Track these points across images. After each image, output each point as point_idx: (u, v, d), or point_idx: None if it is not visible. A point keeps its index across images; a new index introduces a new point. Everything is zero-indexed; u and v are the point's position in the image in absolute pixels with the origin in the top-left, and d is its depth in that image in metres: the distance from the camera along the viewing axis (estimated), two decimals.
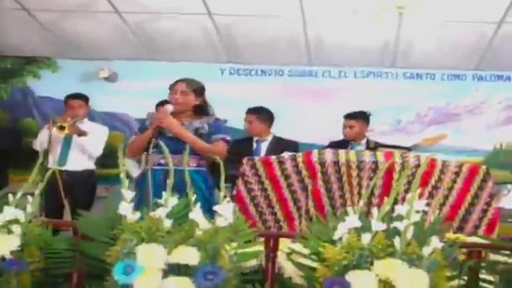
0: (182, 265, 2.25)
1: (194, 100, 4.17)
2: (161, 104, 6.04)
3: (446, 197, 3.77)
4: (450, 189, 3.79)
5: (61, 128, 5.59)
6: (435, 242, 2.23)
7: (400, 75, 7.21)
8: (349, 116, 5.76)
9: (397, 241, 2.23)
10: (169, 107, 4.08)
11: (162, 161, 3.94)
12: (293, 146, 5.60)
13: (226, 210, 2.40)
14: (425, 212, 2.32)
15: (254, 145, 5.77)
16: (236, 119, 6.15)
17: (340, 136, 5.83)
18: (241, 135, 5.96)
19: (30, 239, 2.43)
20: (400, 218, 2.28)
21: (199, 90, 4.21)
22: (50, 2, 5.84)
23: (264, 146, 5.74)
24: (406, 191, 3.25)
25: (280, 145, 5.58)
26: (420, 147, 5.09)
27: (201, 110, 4.19)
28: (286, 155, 3.99)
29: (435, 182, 3.78)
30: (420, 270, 2.16)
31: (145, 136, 4.01)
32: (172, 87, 4.19)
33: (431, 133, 6.70)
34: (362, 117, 5.78)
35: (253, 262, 2.45)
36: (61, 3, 5.85)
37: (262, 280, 2.44)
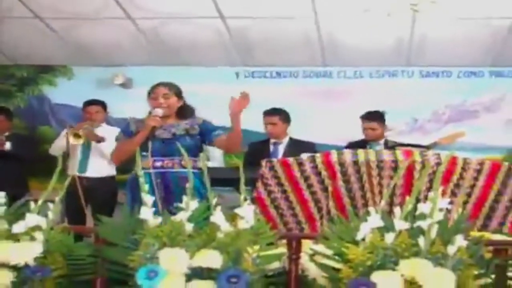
0: (205, 269, 2.24)
1: (177, 102, 4.14)
2: None
3: (468, 195, 3.73)
4: (473, 186, 3.75)
5: (77, 136, 5.60)
6: (460, 241, 2.20)
7: (416, 73, 7.17)
8: (369, 118, 5.72)
9: (421, 240, 2.21)
10: (159, 111, 4.02)
11: (158, 164, 3.92)
12: (310, 147, 5.57)
13: (247, 213, 2.39)
14: (448, 211, 2.30)
15: (271, 147, 5.75)
16: (252, 122, 6.15)
17: (356, 137, 5.81)
18: (256, 138, 5.95)
19: (52, 246, 2.43)
20: (423, 217, 2.26)
21: (179, 92, 4.18)
22: (63, 10, 5.86)
23: (281, 148, 5.72)
24: (428, 189, 3.23)
25: (297, 146, 5.55)
26: (439, 146, 5.04)
27: (183, 112, 4.16)
28: (304, 156, 3.97)
29: (457, 180, 3.74)
30: (446, 269, 2.13)
31: (138, 139, 3.96)
32: (152, 92, 4.14)
33: (448, 131, 6.64)
34: (381, 117, 5.76)
35: (276, 265, 2.44)
36: (74, 10, 5.87)
37: (286, 282, 2.42)
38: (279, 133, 5.75)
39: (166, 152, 3.95)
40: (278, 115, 5.76)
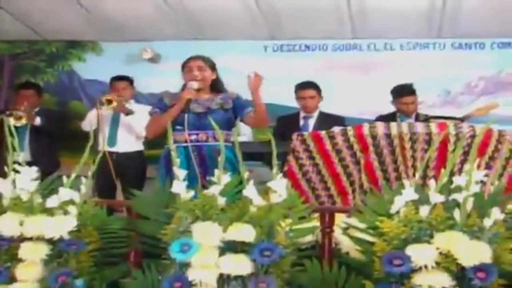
0: (238, 243, 2.24)
1: (211, 76, 4.17)
2: None
3: (504, 168, 3.67)
4: (508, 158, 3.69)
5: (109, 101, 5.61)
6: (497, 213, 2.18)
7: (448, 45, 7.04)
8: (409, 92, 5.60)
9: (457, 213, 2.19)
10: (194, 84, 4.05)
11: (193, 137, 3.94)
12: (340, 121, 5.52)
13: (279, 186, 2.38)
14: (483, 183, 2.26)
15: (302, 121, 5.71)
16: (280, 96, 6.12)
17: (386, 110, 5.74)
18: (284, 111, 5.92)
19: (86, 220, 2.45)
20: (459, 189, 2.23)
21: (213, 66, 4.22)
22: None
23: (311, 122, 5.68)
24: (462, 162, 3.20)
25: (327, 120, 5.51)
26: (472, 118, 4.96)
27: (216, 85, 4.17)
28: (336, 129, 3.93)
29: (492, 152, 3.68)
30: (482, 242, 2.11)
31: (173, 112, 3.98)
32: (185, 66, 4.17)
33: (482, 103, 6.53)
34: (415, 91, 5.65)
35: (309, 238, 2.43)
36: None
37: (319, 255, 2.42)
38: (315, 106, 5.71)
39: (200, 126, 3.98)
40: (315, 88, 5.71)
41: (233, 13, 6.46)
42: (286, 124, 5.60)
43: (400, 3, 6.07)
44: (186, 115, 3.97)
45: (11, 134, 2.64)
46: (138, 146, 6.03)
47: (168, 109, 4.06)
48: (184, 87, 4.16)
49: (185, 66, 4.18)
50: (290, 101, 5.89)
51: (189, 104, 3.99)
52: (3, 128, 2.71)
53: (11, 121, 4.75)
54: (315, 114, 5.73)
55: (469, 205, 2.20)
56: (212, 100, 4.08)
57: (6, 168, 2.62)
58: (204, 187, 2.46)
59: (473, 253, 2.07)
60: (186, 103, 3.99)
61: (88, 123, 5.85)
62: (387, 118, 5.23)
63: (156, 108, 4.21)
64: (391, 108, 5.78)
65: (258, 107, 4.02)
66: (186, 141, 3.94)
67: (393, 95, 5.69)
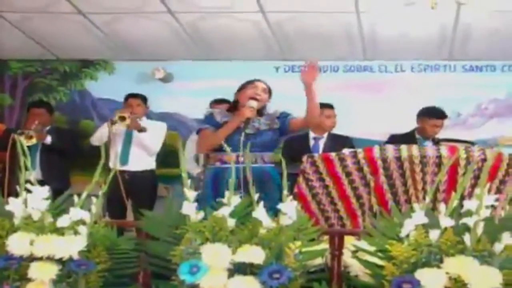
0: (247, 264, 2.24)
1: (267, 101, 4.22)
2: (216, 102, 6.08)
3: None
4: None
5: (122, 118, 5.64)
6: (507, 238, 2.17)
7: (459, 67, 7.05)
8: (442, 116, 5.67)
9: (467, 237, 2.18)
10: (254, 103, 4.06)
11: (241, 159, 3.90)
12: (348, 142, 5.58)
13: (289, 208, 2.38)
14: (494, 208, 2.25)
15: (312, 142, 5.73)
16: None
17: (396, 132, 5.75)
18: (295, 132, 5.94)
19: (96, 240, 2.45)
20: (469, 213, 2.22)
21: (271, 92, 4.27)
22: (105, 5, 5.90)
23: (321, 143, 5.70)
24: (472, 186, 3.19)
25: (336, 141, 5.55)
26: (500, 146, 4.96)
27: (262, 110, 4.20)
28: (346, 151, 3.93)
29: (503, 176, 3.67)
30: (492, 267, 2.10)
31: (229, 129, 4.00)
32: (251, 84, 4.19)
33: (493, 126, 6.54)
34: (446, 116, 5.72)
35: (318, 261, 2.42)
36: (114, 5, 5.91)
37: (328, 278, 2.41)
38: (333, 126, 5.74)
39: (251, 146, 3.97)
40: (333, 108, 5.76)
41: (245, 34, 6.50)
42: (295, 145, 5.61)
43: (411, 26, 6.09)
44: (239, 135, 3.93)
45: (24, 154, 2.66)
46: (150, 164, 6.04)
47: (220, 127, 4.08)
48: (234, 104, 4.20)
49: (248, 84, 4.20)
50: None
51: (247, 122, 4.01)
52: (15, 147, 2.73)
53: (22, 141, 4.77)
54: (325, 135, 5.74)
55: (480, 230, 2.19)
56: (259, 121, 4.10)
57: (18, 188, 2.63)
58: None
59: (483, 278, 2.06)
60: (245, 122, 4.01)
61: (97, 139, 5.87)
62: (404, 138, 5.24)
63: (206, 124, 4.21)
64: (402, 129, 5.78)
65: (313, 103, 4.02)
66: (236, 162, 3.88)
67: (422, 114, 5.72)
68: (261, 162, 3.97)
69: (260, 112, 4.18)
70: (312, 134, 5.77)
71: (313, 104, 4.02)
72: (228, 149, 3.05)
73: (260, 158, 3.99)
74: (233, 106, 4.22)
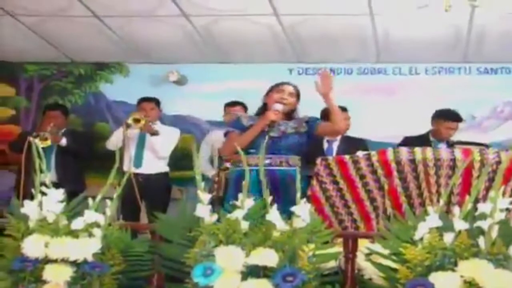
0: (260, 267, 2.24)
1: (295, 104, 4.21)
2: (230, 105, 6.09)
3: None
4: None
5: (136, 120, 5.65)
6: None
7: (474, 70, 7.02)
8: (457, 119, 5.65)
9: (481, 240, 2.17)
10: (279, 106, 4.08)
11: (266, 161, 3.86)
12: (362, 144, 5.56)
13: (303, 211, 2.38)
14: (509, 211, 2.24)
15: (326, 144, 5.71)
16: None
17: (410, 134, 5.73)
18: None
19: (110, 242, 2.47)
20: (483, 216, 2.21)
21: (299, 96, 4.26)
22: (119, 8, 5.94)
23: (335, 146, 5.69)
24: (487, 189, 3.17)
25: (350, 143, 5.54)
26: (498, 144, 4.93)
27: (292, 114, 4.21)
28: (360, 154, 3.92)
29: None
30: (507, 270, 2.09)
31: (255, 132, 4.02)
32: (277, 87, 4.20)
33: (508, 128, 6.49)
34: (462, 119, 5.71)
35: (332, 264, 2.42)
36: (129, 8, 5.94)
37: (342, 281, 2.41)
38: (347, 128, 5.74)
39: (274, 150, 3.99)
40: (347, 111, 5.76)
41: (258, 37, 6.50)
42: (310, 147, 5.60)
43: (425, 28, 6.08)
44: (264, 138, 3.89)
45: (39, 156, 2.68)
46: (163, 167, 6.07)
47: (246, 130, 4.10)
48: (262, 108, 4.21)
49: (275, 87, 4.22)
50: None
51: (272, 126, 4.03)
52: (31, 149, 2.75)
53: (37, 143, 4.80)
54: (338, 138, 5.74)
55: (494, 233, 2.18)
56: (287, 125, 4.11)
57: (33, 190, 2.65)
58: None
59: (498, 281, 2.05)
60: (269, 125, 4.03)
61: (113, 143, 5.90)
62: (418, 140, 5.22)
63: (232, 127, 4.25)
64: (416, 132, 5.76)
65: (334, 111, 4.04)
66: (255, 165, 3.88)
67: (437, 117, 5.71)
68: (286, 165, 3.98)
69: (289, 115, 4.19)
70: (325, 137, 5.76)
71: (334, 112, 4.04)
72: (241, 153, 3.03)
73: (285, 161, 4.00)
74: (262, 110, 4.22)
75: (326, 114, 5.73)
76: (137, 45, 6.94)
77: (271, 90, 4.22)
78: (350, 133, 5.86)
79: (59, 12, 6.05)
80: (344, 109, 5.79)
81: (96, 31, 6.49)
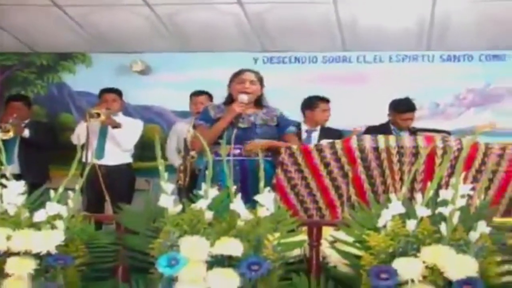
0: (225, 257, 2.24)
1: (259, 91, 4.19)
2: (195, 94, 6.07)
3: (491, 181, 3.68)
4: (495, 172, 3.69)
5: (97, 115, 5.60)
6: (483, 227, 2.19)
7: (437, 57, 7.09)
8: (410, 109, 5.68)
9: (443, 227, 2.19)
10: (244, 98, 4.07)
11: (236, 152, 3.93)
12: (339, 135, 5.57)
13: (267, 200, 2.38)
14: (470, 197, 2.27)
15: (304, 134, 5.72)
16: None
17: (376, 122, 5.77)
18: None
19: (73, 234, 2.44)
20: (445, 203, 2.24)
21: (262, 81, 4.25)
22: None
23: (314, 136, 5.69)
24: (449, 175, 3.21)
25: (329, 134, 5.51)
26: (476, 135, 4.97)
27: (260, 100, 4.19)
28: (324, 142, 3.94)
29: (479, 165, 3.68)
30: (468, 256, 2.11)
31: (222, 126, 4.02)
32: (237, 77, 4.18)
33: (471, 116, 6.58)
34: (415, 107, 5.74)
35: (297, 252, 2.43)
36: None
37: (307, 269, 2.42)
38: (328, 119, 5.77)
39: (243, 140, 3.98)
40: (329, 102, 5.78)
41: (223, 25, 6.48)
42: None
43: (389, 17, 6.12)
44: (232, 130, 3.96)
45: None
46: (126, 158, 6.03)
47: (215, 122, 4.09)
48: (229, 98, 4.20)
49: (235, 78, 4.20)
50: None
51: (238, 118, 4.02)
52: None
53: None
54: (318, 128, 5.75)
55: (455, 219, 2.20)
56: (256, 115, 4.12)
57: None
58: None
59: (460, 266, 2.07)
60: (236, 117, 4.02)
61: (77, 136, 5.84)
62: (379, 129, 5.25)
63: (200, 120, 4.23)
64: (381, 120, 5.81)
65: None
66: (229, 155, 3.84)
67: (393, 110, 5.74)
68: (255, 155, 3.96)
69: (257, 102, 4.18)
70: (304, 127, 5.78)
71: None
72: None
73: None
74: (228, 100, 4.20)
75: (308, 105, 5.80)
76: (99, 35, 6.86)
77: (233, 80, 4.21)
78: None
79: (19, 1, 5.95)
80: (327, 100, 5.80)
81: (57, 20, 6.40)
